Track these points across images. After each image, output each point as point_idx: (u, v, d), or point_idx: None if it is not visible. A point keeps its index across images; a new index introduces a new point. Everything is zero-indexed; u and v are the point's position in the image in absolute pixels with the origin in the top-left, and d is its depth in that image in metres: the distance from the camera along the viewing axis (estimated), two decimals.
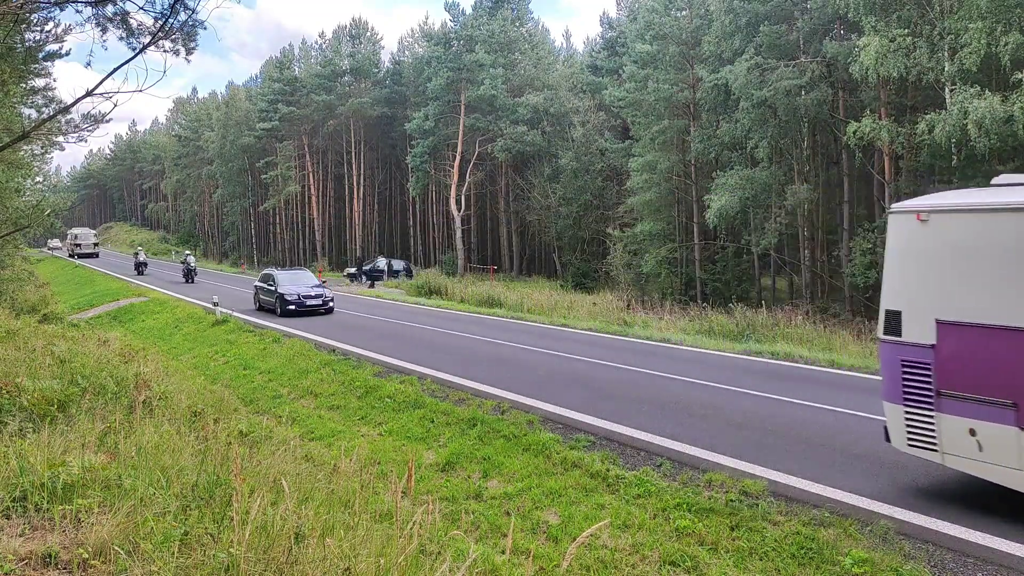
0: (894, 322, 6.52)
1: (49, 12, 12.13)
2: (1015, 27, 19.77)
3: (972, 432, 5.97)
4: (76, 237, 68.05)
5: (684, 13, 35.57)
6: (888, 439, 6.71)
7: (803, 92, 27.48)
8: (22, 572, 3.58)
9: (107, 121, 13.44)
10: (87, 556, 3.71)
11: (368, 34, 63.92)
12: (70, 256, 64.89)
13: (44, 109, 18.09)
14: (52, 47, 14.99)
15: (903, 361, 6.42)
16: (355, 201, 61.43)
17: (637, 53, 36.48)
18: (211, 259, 75.01)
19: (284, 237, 70.20)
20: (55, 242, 75.79)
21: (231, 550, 3.60)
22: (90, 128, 14.77)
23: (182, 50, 10.63)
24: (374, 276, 41.41)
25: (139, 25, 10.60)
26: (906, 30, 22.54)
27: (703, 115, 33.91)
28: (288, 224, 70.21)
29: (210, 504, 4.50)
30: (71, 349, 11.22)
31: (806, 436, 8.59)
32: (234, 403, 11.50)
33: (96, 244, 69.12)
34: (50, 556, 3.73)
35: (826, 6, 27.14)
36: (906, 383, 6.40)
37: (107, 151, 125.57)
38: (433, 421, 10.23)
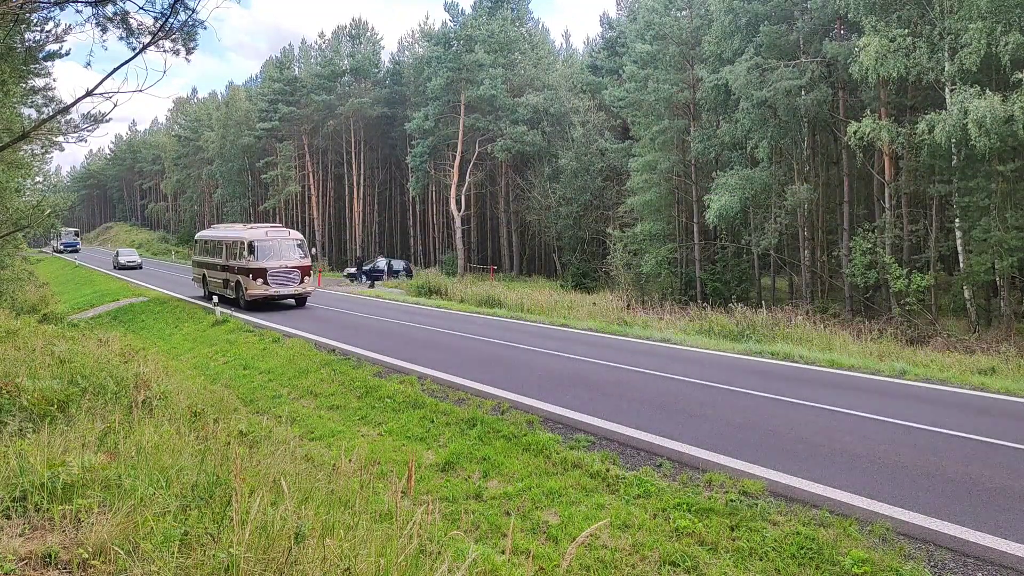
0: None
1: (49, 12, 12.13)
2: (1015, 27, 19.78)
3: None
4: (119, 254, 54.36)
5: (684, 13, 35.57)
6: None
7: (803, 92, 27.50)
8: (22, 572, 3.58)
9: (107, 121, 13.49)
10: (87, 556, 3.71)
11: (368, 34, 63.93)
12: (115, 268, 51.31)
13: (44, 109, 18.16)
14: (52, 47, 15.04)
15: None
16: (355, 201, 61.44)
17: (637, 53, 36.50)
18: None
19: None
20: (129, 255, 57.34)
21: (231, 550, 3.60)
22: (90, 128, 14.83)
23: (182, 50, 10.65)
24: (374, 276, 41.43)
25: (139, 25, 10.62)
26: (906, 30, 22.56)
27: (703, 115, 33.95)
28: (288, 224, 70.21)
29: (210, 504, 4.50)
30: (71, 349, 11.22)
31: (806, 436, 8.58)
32: (234, 403, 11.49)
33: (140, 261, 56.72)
34: (50, 556, 3.73)
35: (826, 6, 27.17)
36: None
37: (107, 151, 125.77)
38: (433, 421, 10.23)
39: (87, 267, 54.49)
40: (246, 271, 23.24)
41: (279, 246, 23.54)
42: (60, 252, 76.86)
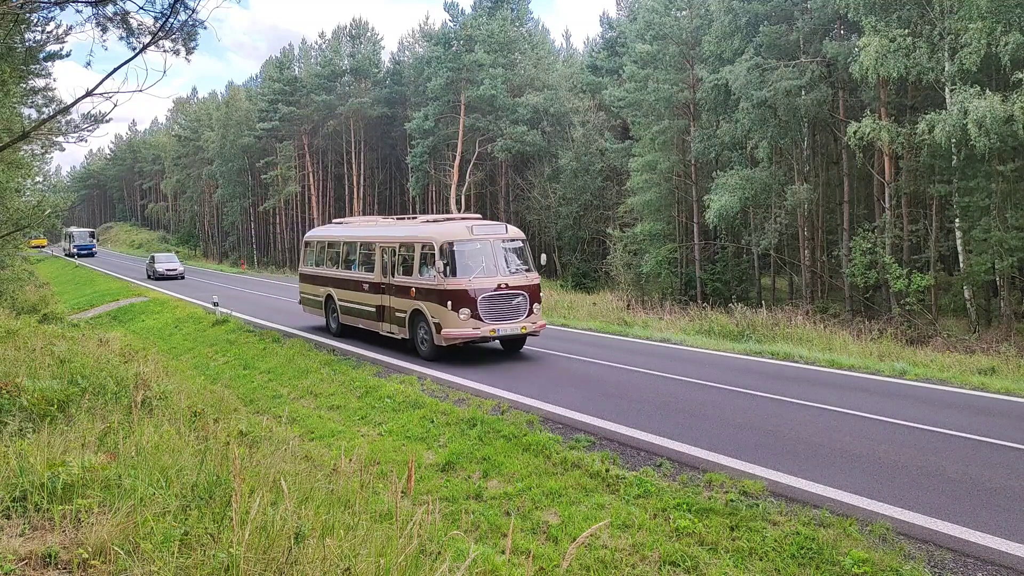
0: None
1: (49, 12, 12.15)
2: (1015, 27, 19.77)
3: None
4: (155, 261, 43.10)
5: (684, 13, 35.56)
6: None
7: (803, 92, 27.49)
8: (22, 572, 3.59)
9: (107, 121, 13.53)
10: (87, 556, 3.72)
11: (368, 34, 63.93)
12: (150, 278, 40.85)
13: (44, 109, 18.19)
14: (52, 47, 15.08)
15: None
16: (355, 201, 61.43)
17: (637, 53, 36.48)
18: (211, 259, 74.99)
19: (284, 237, 70.23)
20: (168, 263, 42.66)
21: (231, 550, 3.61)
22: (90, 128, 14.86)
23: (182, 50, 10.66)
24: None
25: (139, 25, 10.64)
26: (906, 30, 22.55)
27: (703, 115, 33.92)
28: (288, 224, 70.20)
29: (210, 504, 4.50)
30: (71, 349, 11.22)
31: (806, 436, 8.59)
32: (234, 403, 11.49)
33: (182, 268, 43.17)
34: (50, 556, 3.74)
35: (826, 6, 27.14)
36: None
37: (107, 151, 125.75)
38: (433, 421, 10.23)
39: (86, 267, 54.35)
40: (437, 295, 13.61)
41: (492, 251, 14.05)
42: (72, 256, 66.40)
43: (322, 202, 65.28)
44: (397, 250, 15.11)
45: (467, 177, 50.34)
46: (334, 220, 21.67)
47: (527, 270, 14.44)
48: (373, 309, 15.88)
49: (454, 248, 13.80)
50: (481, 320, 13.48)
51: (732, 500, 6.76)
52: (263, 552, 3.71)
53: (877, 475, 7.22)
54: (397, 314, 15.00)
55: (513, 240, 14.62)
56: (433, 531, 5.01)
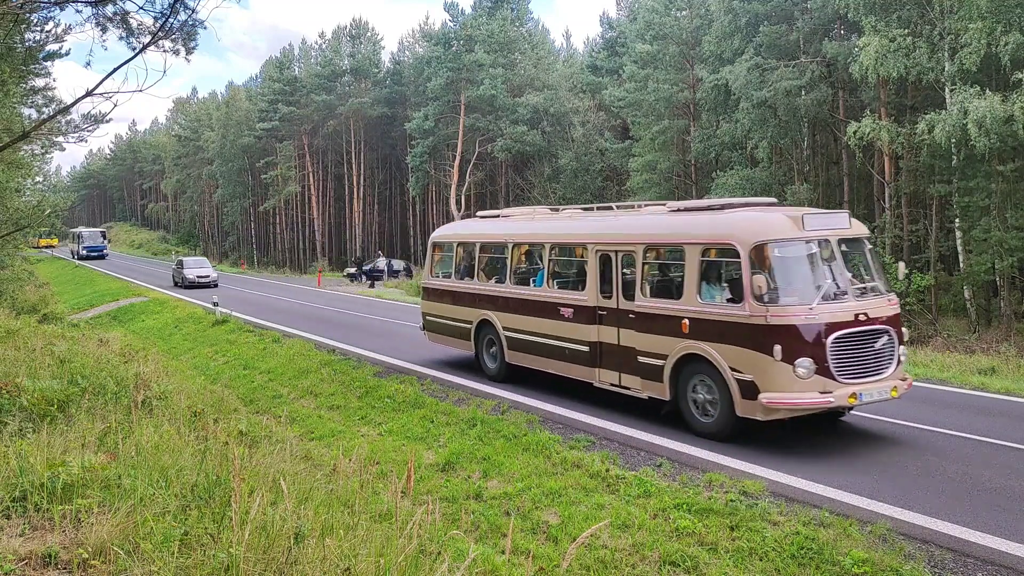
0: None
1: (49, 12, 12.15)
2: (1015, 27, 19.77)
3: None
4: (183, 266, 36.48)
5: (684, 13, 35.58)
6: None
7: (803, 92, 27.49)
8: (22, 572, 3.59)
9: (107, 121, 13.54)
10: (87, 556, 3.72)
11: (368, 34, 63.94)
12: (178, 286, 35.14)
13: (44, 109, 18.19)
14: (52, 47, 15.08)
15: None
16: (355, 201, 61.45)
17: (637, 53, 36.50)
18: (211, 259, 74.92)
19: (284, 237, 70.23)
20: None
21: (231, 550, 3.61)
22: (90, 128, 14.86)
23: (182, 50, 10.68)
24: (374, 276, 41.40)
25: (139, 25, 10.66)
26: (906, 30, 22.54)
27: (703, 115, 33.93)
28: (288, 224, 70.20)
29: (210, 504, 4.50)
30: (71, 349, 11.23)
31: (806, 436, 8.59)
32: (234, 403, 11.49)
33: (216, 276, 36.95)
34: (50, 556, 3.74)
35: (826, 6, 27.15)
36: None
37: (107, 151, 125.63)
38: (433, 421, 10.23)
39: (86, 267, 54.33)
40: (749, 333, 8.00)
41: (834, 259, 8.42)
42: (81, 258, 61.51)
43: (322, 202, 65.29)
44: (641, 255, 9.47)
45: (467, 177, 50.34)
46: (478, 214, 15.09)
47: (886, 290, 8.79)
48: (584, 348, 10.35)
49: (774, 253, 8.30)
50: (831, 377, 7.83)
51: (732, 500, 6.76)
52: (263, 552, 3.72)
53: (877, 475, 7.22)
54: (642, 359, 9.37)
55: (858, 239, 8.90)
56: (433, 531, 5.01)
